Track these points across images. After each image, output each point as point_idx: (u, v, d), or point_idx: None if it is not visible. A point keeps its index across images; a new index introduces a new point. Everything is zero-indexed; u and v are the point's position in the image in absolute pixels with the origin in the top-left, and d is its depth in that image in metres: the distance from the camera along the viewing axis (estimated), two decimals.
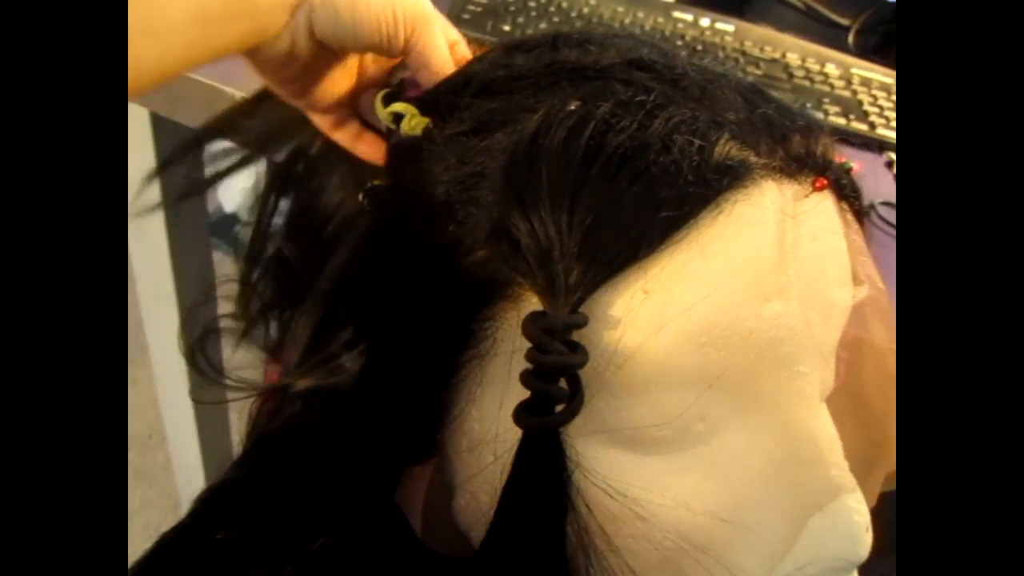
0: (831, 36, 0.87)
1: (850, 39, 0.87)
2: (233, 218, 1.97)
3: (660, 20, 0.73)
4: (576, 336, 0.24)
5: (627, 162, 0.23)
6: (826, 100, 0.65)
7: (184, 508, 0.35)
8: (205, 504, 0.35)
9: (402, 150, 0.31)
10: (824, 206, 0.26)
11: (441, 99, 0.30)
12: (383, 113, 0.32)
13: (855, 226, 0.28)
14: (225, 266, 1.82)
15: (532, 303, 0.25)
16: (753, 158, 0.24)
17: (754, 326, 0.24)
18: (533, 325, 0.24)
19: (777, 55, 0.71)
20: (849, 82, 0.69)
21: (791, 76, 0.68)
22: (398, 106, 0.31)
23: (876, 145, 0.63)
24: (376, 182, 0.31)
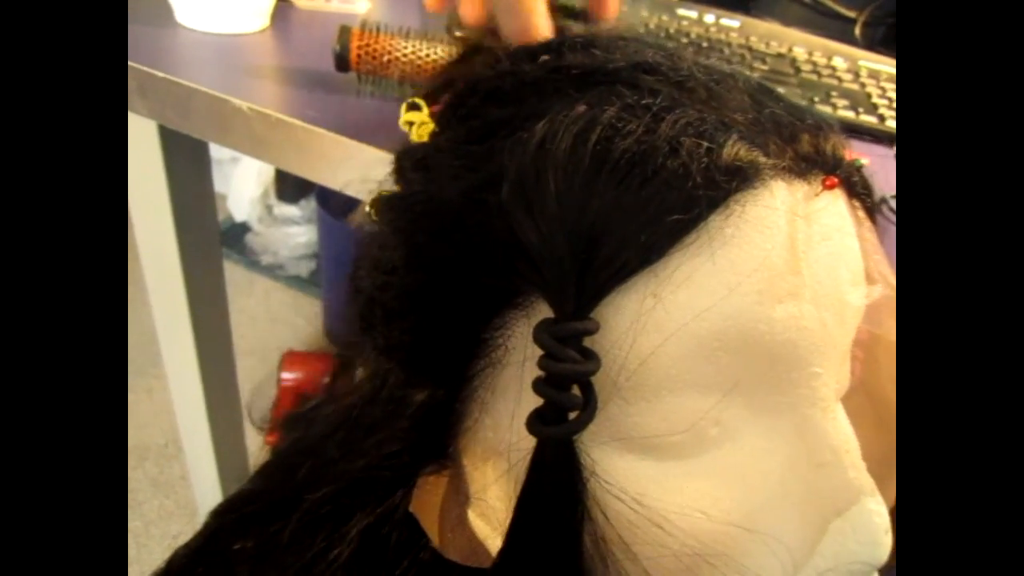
0: (838, 29, 0.87)
1: (857, 32, 0.87)
2: (243, 227, 1.99)
3: (665, 18, 0.73)
4: (588, 343, 0.24)
5: (634, 166, 0.23)
6: (834, 94, 0.64)
7: (202, 518, 0.35)
8: (221, 516, 0.35)
9: (409, 158, 0.30)
10: (836, 205, 0.26)
11: (448, 107, 0.30)
12: (401, 120, 0.32)
13: (868, 224, 0.27)
14: (235, 275, 1.83)
15: (543, 311, 0.24)
16: (762, 159, 0.24)
17: (767, 329, 0.24)
18: (544, 333, 0.24)
19: (783, 50, 0.70)
20: (857, 75, 0.68)
21: (798, 71, 0.67)
22: (410, 115, 0.31)
23: (886, 138, 0.62)
24: (383, 192, 0.31)
